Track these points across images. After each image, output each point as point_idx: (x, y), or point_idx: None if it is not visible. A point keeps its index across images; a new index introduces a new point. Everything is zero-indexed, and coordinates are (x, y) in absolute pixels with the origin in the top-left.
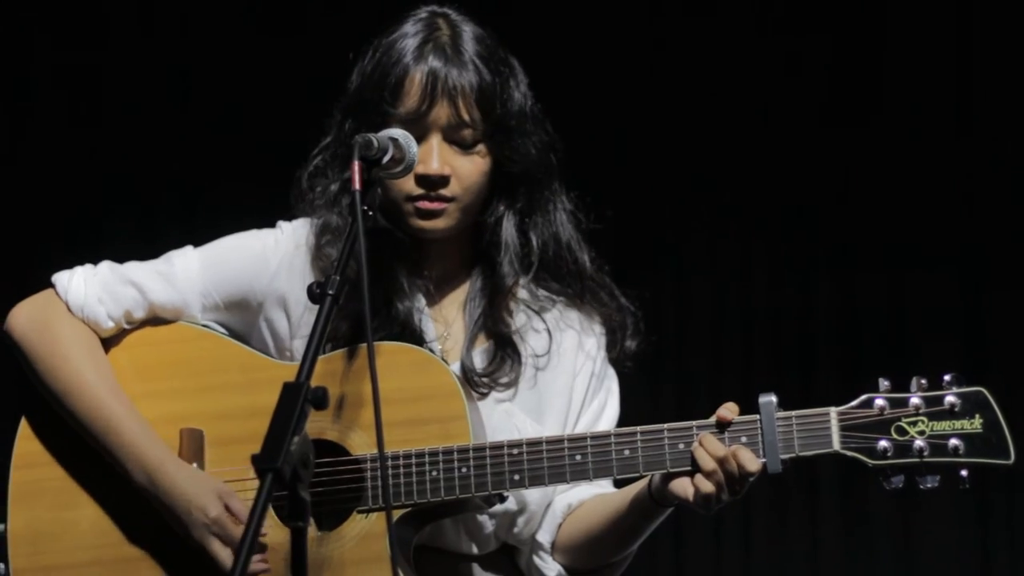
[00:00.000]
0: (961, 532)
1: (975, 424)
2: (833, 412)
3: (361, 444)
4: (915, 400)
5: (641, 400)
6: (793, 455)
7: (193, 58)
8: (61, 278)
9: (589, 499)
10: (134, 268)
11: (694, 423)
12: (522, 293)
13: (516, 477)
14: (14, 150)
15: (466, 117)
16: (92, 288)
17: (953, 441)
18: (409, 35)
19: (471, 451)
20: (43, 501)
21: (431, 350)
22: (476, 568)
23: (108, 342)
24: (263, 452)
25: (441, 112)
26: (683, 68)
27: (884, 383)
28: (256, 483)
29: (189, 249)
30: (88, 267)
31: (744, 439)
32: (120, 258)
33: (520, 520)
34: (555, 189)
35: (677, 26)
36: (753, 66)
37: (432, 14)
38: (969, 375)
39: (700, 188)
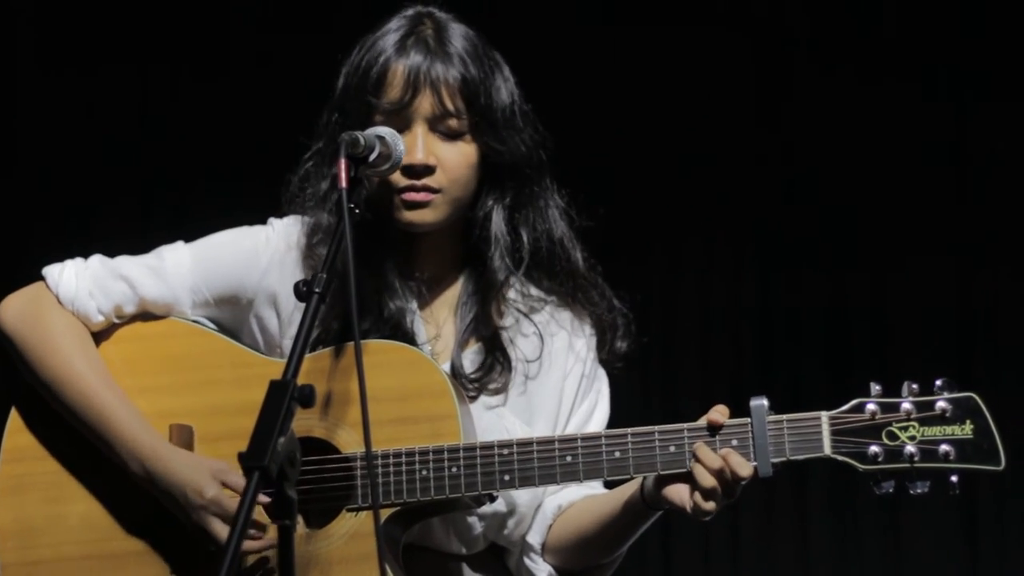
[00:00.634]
0: (950, 536)
1: (966, 430)
2: (824, 416)
3: (350, 442)
4: (906, 405)
5: (631, 402)
6: (784, 459)
7: (187, 53)
8: (52, 271)
9: (579, 500)
10: (125, 262)
11: (685, 425)
12: (512, 294)
13: (506, 478)
14: (5, 144)
15: (450, 107)
16: (83, 282)
17: (944, 447)
18: (392, 30)
19: (461, 451)
20: (33, 495)
21: (422, 349)
22: (464, 568)
23: (98, 337)
24: (249, 450)
25: (425, 102)
26: (676, 67)
27: (876, 388)
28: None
29: (180, 244)
30: (79, 261)
31: (735, 442)
32: (112, 253)
33: (510, 522)
34: (546, 185)
35: (670, 25)
36: (742, 62)
37: (418, 13)
38: (961, 380)
39: (690, 188)
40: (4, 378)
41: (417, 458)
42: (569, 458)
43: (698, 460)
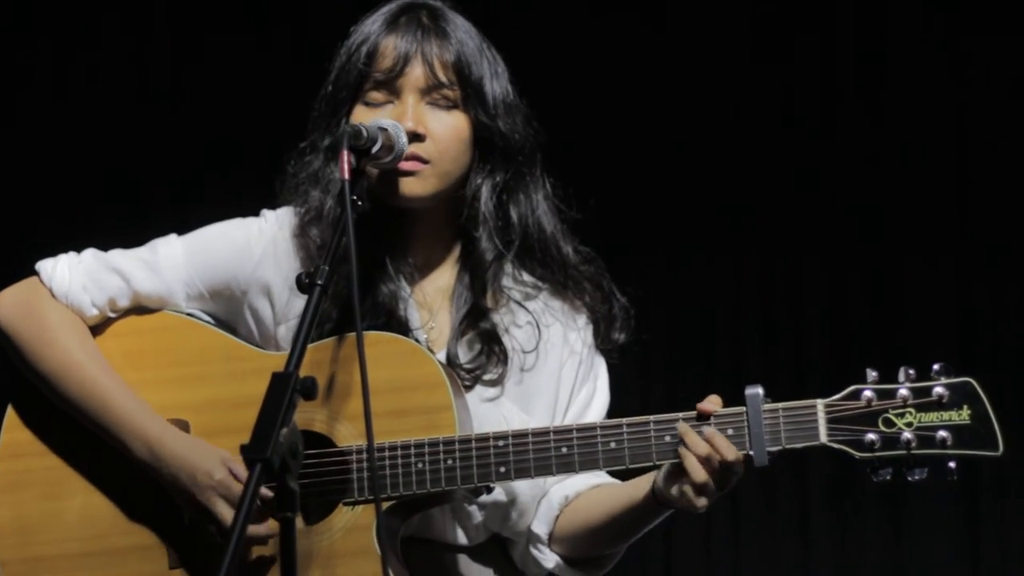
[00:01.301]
0: (952, 528)
1: (963, 415)
2: (820, 404)
3: (347, 435)
4: (903, 391)
5: (629, 393)
6: (780, 448)
7: (186, 49)
8: (45, 265)
9: (586, 490)
10: (118, 256)
11: (680, 415)
12: (506, 281)
13: (502, 469)
14: (2, 139)
15: (442, 77)
16: (76, 275)
17: (941, 433)
18: (385, 11)
19: (457, 443)
20: (31, 492)
21: (416, 339)
22: (465, 559)
23: (93, 331)
24: (252, 442)
25: (416, 71)
26: (675, 63)
27: (872, 374)
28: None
29: (173, 237)
30: (72, 255)
31: (731, 431)
32: (108, 247)
33: (513, 513)
34: (537, 176)
35: (669, 23)
36: (742, 60)
37: (411, 1)
38: (958, 365)
39: (690, 180)
40: (1, 374)
41: (413, 451)
42: (565, 449)
43: (688, 449)
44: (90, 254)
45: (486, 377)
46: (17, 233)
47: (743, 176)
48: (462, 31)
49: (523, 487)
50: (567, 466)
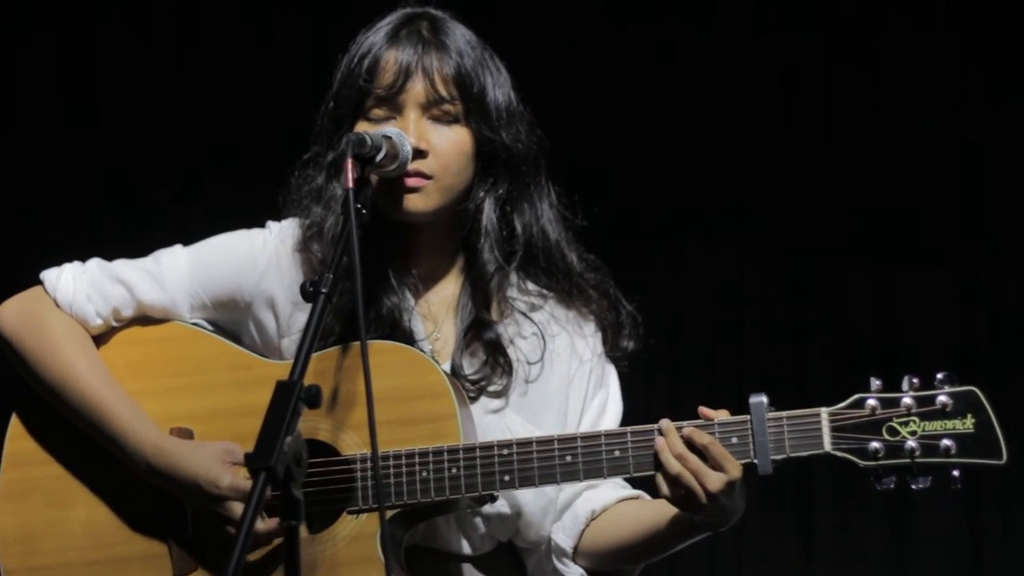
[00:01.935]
0: (955, 535)
1: (967, 424)
2: (824, 413)
3: (351, 444)
4: (907, 400)
5: (631, 400)
6: (784, 456)
7: (189, 54)
8: (49, 275)
9: (614, 505)
10: (123, 266)
11: (685, 423)
12: (512, 292)
13: (506, 478)
14: (8, 148)
15: (443, 92)
16: (80, 285)
17: (945, 441)
18: (386, 24)
19: (461, 451)
20: (35, 501)
21: (421, 350)
22: (470, 568)
23: (97, 340)
24: (256, 451)
25: (417, 86)
26: (677, 70)
27: (876, 383)
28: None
29: (178, 248)
30: (76, 264)
31: (735, 440)
32: (112, 257)
33: (520, 523)
34: (541, 184)
35: (671, 31)
36: (745, 66)
37: (413, 11)
38: (961, 374)
39: (693, 187)
40: (4, 383)
41: (417, 459)
42: (569, 458)
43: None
44: (94, 264)
45: (490, 388)
46: (19, 241)
47: (745, 182)
48: (463, 42)
49: (528, 499)
50: (571, 475)
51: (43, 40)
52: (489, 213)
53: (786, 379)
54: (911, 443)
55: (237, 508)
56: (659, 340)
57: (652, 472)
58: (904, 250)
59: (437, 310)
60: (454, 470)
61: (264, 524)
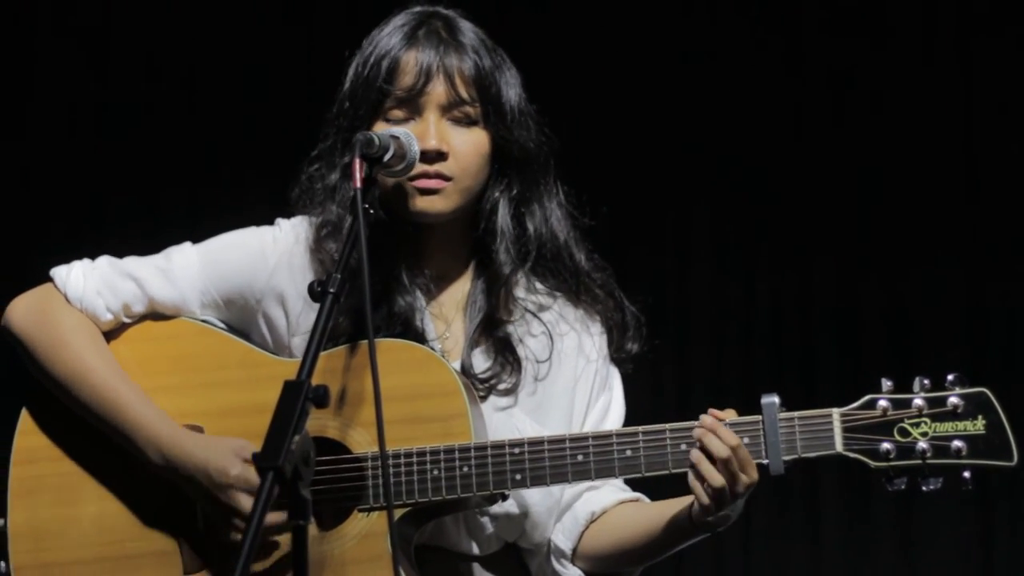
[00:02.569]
0: (963, 532)
1: (978, 425)
2: (836, 413)
3: (361, 442)
4: (918, 401)
5: (643, 400)
6: (796, 456)
7: (198, 52)
8: (59, 271)
9: (614, 507)
10: (133, 263)
11: (696, 423)
12: (520, 292)
13: (518, 477)
14: (15, 145)
15: (464, 94)
16: (91, 281)
17: (956, 443)
18: (401, 24)
19: (472, 450)
20: (44, 497)
21: (432, 348)
22: (479, 568)
23: (108, 336)
24: (264, 450)
25: (438, 88)
26: (687, 68)
27: (887, 384)
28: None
29: (188, 245)
30: (87, 261)
31: (747, 439)
32: (122, 255)
33: (526, 524)
34: (550, 185)
35: (677, 26)
36: (754, 64)
37: (424, 10)
38: (972, 375)
39: (702, 188)
40: (14, 379)
41: (428, 458)
42: (580, 457)
43: (714, 433)
44: (105, 261)
45: (500, 387)
46: (28, 239)
47: (754, 181)
48: (478, 42)
49: (536, 499)
50: (583, 474)
51: (50, 38)
52: (504, 214)
53: (794, 379)
54: (922, 444)
55: (243, 499)
56: (669, 340)
57: (664, 472)
58: (912, 250)
59: (448, 310)
60: (465, 468)
61: (272, 517)
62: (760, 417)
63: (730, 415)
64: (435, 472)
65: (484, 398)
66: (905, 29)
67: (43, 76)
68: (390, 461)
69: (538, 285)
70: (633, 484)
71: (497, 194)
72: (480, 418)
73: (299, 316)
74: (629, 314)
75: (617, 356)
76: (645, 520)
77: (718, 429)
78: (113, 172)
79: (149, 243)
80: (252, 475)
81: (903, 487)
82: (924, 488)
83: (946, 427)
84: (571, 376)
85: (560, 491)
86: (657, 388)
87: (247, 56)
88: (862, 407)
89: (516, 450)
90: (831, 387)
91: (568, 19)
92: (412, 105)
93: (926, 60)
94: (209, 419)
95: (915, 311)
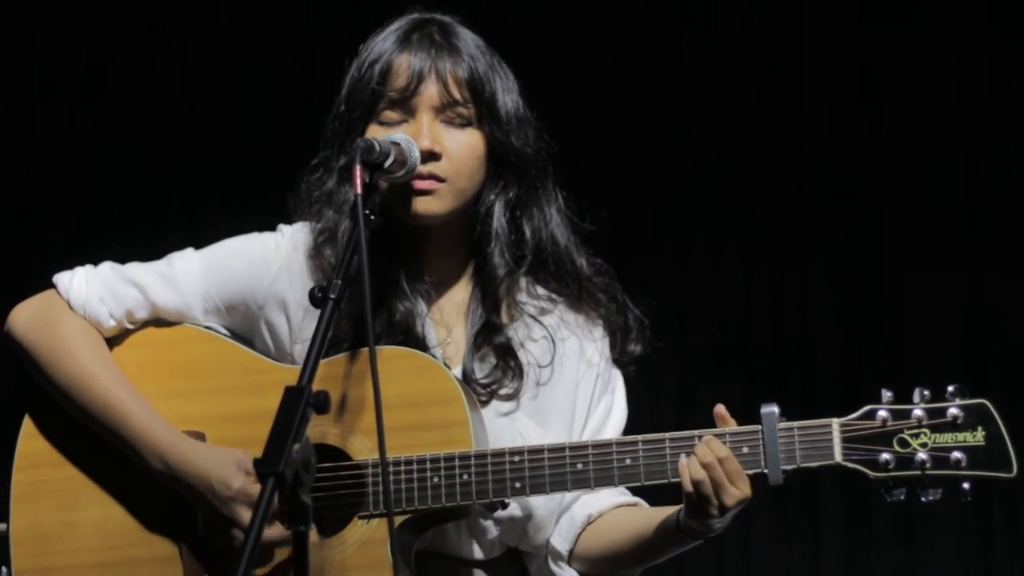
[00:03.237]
0: (963, 538)
1: (978, 436)
2: (835, 423)
3: (362, 449)
4: (918, 412)
5: (643, 408)
6: (795, 466)
7: (201, 58)
8: (62, 278)
9: (611, 510)
10: (136, 269)
11: (696, 432)
12: (522, 296)
13: (517, 485)
14: (19, 152)
15: (456, 95)
16: (94, 287)
17: (955, 454)
18: (395, 29)
19: (472, 458)
20: (46, 502)
21: (433, 355)
22: (480, 573)
23: (111, 342)
24: (264, 456)
25: (431, 89)
26: (685, 73)
27: (887, 394)
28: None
29: (190, 251)
30: (89, 267)
31: (746, 449)
32: (123, 260)
33: (529, 527)
34: (549, 189)
35: (683, 40)
36: (753, 72)
37: (421, 16)
38: (972, 383)
39: (699, 194)
40: (17, 384)
41: (429, 465)
42: (580, 465)
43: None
44: (107, 267)
45: (502, 392)
46: (30, 245)
47: (753, 188)
48: (473, 47)
49: (539, 502)
50: (582, 482)
51: (49, 43)
52: (499, 216)
53: (792, 388)
54: (922, 455)
55: (243, 512)
56: (667, 348)
57: (664, 481)
58: (910, 257)
59: (449, 315)
60: (465, 476)
61: (271, 532)
62: (759, 427)
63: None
64: (435, 480)
65: (486, 403)
66: (906, 30)
67: (43, 77)
68: (390, 468)
69: (539, 290)
70: (633, 489)
71: (493, 196)
72: (481, 425)
73: (301, 322)
74: (632, 317)
75: (621, 359)
76: (637, 524)
77: (711, 441)
78: (113, 177)
79: (150, 249)
80: (253, 489)
81: (902, 498)
82: (923, 499)
83: (946, 438)
84: (572, 379)
85: (562, 495)
86: (656, 396)
87: (249, 58)
88: (862, 417)
89: (516, 458)
90: (830, 395)
91: (567, 25)
92: (405, 106)
93: (926, 60)
94: (211, 425)
95: (914, 317)
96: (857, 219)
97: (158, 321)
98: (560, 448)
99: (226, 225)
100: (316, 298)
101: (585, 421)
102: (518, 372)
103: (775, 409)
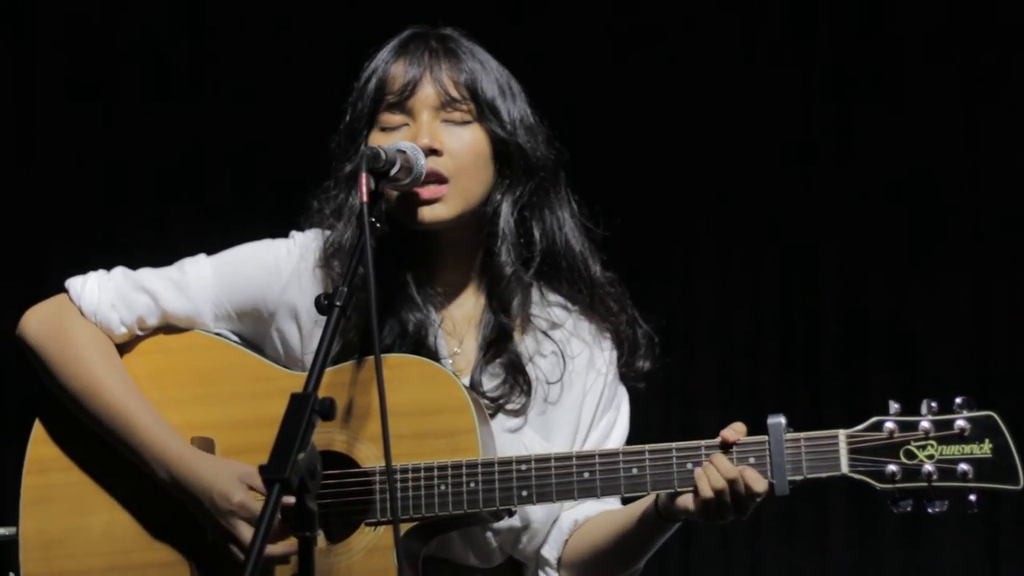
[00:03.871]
0: (970, 541)
1: (984, 449)
2: (842, 435)
3: (369, 456)
4: (925, 424)
5: (650, 418)
6: (801, 477)
7: (208, 61)
8: (74, 283)
9: (595, 515)
10: (147, 275)
11: (703, 443)
12: (534, 308)
13: (524, 493)
14: (27, 156)
15: (454, 94)
16: (105, 294)
17: (962, 466)
18: (393, 41)
19: (479, 466)
20: (56, 507)
21: (442, 364)
22: None
23: (121, 349)
24: (270, 462)
25: (428, 90)
26: (691, 81)
27: (894, 406)
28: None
29: (202, 257)
30: (101, 273)
31: (752, 460)
32: (133, 265)
33: (524, 537)
34: (561, 194)
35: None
36: (760, 80)
37: (419, 30)
38: (979, 398)
39: (707, 205)
40: (28, 389)
41: (436, 473)
42: (587, 474)
43: (712, 463)
44: (119, 272)
45: (509, 407)
46: (41, 249)
47: (760, 198)
48: (471, 52)
49: (537, 512)
50: (589, 491)
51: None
52: (506, 216)
53: (799, 398)
54: (928, 467)
55: (243, 528)
56: (675, 359)
57: (670, 490)
58: (921, 267)
59: (460, 325)
60: (472, 484)
61: (275, 548)
62: (766, 437)
63: (739, 427)
64: (442, 487)
65: (492, 417)
66: (907, 32)
67: (49, 84)
68: (397, 476)
69: (551, 297)
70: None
71: (500, 196)
72: (489, 434)
73: (311, 329)
74: (641, 332)
75: (627, 372)
76: (615, 521)
77: (719, 463)
78: (124, 182)
79: (162, 255)
80: (253, 504)
81: (909, 509)
82: (930, 511)
83: (952, 450)
84: (580, 393)
85: (560, 504)
86: (663, 406)
87: (259, 64)
88: (869, 429)
89: (523, 467)
90: (836, 404)
91: (573, 32)
92: (404, 108)
93: (926, 61)
94: (220, 432)
95: (921, 327)
96: (867, 227)
97: (168, 327)
98: (567, 457)
99: (236, 232)
100: (322, 305)
101: (587, 434)
102: (526, 388)
103: (782, 420)
